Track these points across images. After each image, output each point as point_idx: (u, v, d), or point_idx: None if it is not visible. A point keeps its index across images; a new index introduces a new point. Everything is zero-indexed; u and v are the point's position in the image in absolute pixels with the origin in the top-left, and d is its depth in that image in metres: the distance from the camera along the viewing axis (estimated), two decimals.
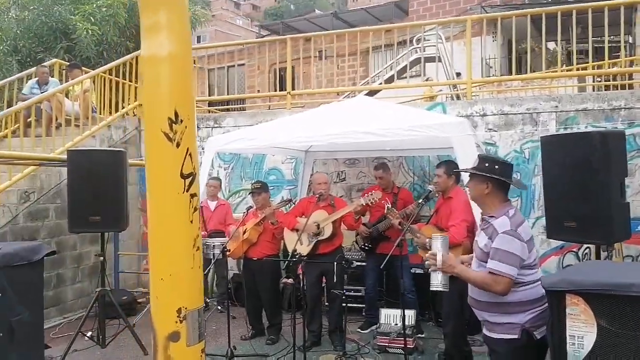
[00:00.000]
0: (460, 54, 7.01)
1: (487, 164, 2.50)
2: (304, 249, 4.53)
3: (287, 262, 4.36)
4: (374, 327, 5.14)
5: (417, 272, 5.46)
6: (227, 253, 4.60)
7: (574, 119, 5.45)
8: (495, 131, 5.70)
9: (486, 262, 2.37)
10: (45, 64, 7.47)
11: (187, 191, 1.28)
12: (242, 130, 5.25)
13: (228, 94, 11.65)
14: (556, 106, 5.56)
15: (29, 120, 6.70)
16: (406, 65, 7.82)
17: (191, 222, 1.36)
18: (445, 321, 4.04)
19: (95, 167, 4.37)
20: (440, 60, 8.07)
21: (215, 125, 7.20)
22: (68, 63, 7.99)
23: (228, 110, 9.32)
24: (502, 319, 2.36)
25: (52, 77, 7.42)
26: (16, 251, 3.30)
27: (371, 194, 4.48)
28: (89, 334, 4.74)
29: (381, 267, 4.21)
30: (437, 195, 4.54)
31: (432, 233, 4.01)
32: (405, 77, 8.82)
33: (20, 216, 5.46)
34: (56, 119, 6.76)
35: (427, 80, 7.75)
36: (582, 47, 8.67)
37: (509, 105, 5.73)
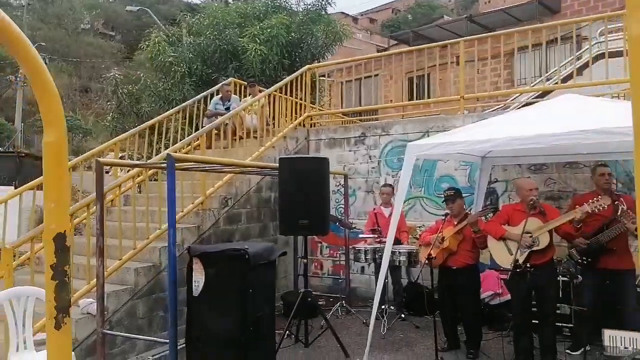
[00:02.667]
0: None
1: None
2: (512, 259, 4.24)
3: (510, 272, 4.09)
4: (587, 348, 4.65)
5: None
6: (435, 260, 4.47)
7: None
8: None
9: None
10: (226, 82, 8.18)
11: None
12: (442, 135, 5.13)
13: (361, 105, 11.77)
14: None
15: (215, 133, 7.39)
16: (587, 62, 7.11)
17: None
18: None
19: (303, 173, 4.57)
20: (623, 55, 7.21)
21: (383, 133, 7.23)
22: (242, 81, 8.70)
23: (360, 120, 9.43)
24: None
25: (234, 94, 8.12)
26: (259, 251, 3.54)
27: (597, 200, 4.05)
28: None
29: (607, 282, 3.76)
30: None
31: None
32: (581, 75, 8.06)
33: (221, 220, 5.95)
34: (236, 132, 7.36)
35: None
36: None
37: None
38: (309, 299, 4.86)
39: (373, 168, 7.27)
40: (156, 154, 7.21)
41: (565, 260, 4.91)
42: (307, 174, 4.57)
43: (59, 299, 1.82)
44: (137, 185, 5.68)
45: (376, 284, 6.23)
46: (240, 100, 8.11)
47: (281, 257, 4.34)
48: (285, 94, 7.78)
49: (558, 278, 4.67)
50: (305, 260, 4.89)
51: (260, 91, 7.90)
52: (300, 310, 4.91)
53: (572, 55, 7.78)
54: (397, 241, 5.73)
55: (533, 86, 9.05)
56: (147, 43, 10.62)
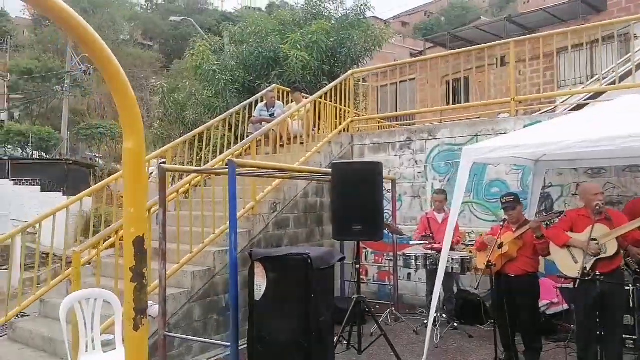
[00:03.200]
0: None
1: None
2: (577, 267, 4.08)
3: (576, 280, 3.94)
4: None
5: None
6: (494, 267, 4.36)
7: None
8: None
9: None
10: (270, 88, 8.27)
11: None
12: (499, 138, 5.02)
13: (397, 110, 11.60)
14: None
15: (258, 140, 7.46)
16: (632, 68, 6.80)
17: None
18: None
19: (356, 178, 4.55)
20: None
21: (430, 137, 7.14)
22: (284, 88, 8.79)
23: (400, 125, 9.30)
24: None
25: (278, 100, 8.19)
26: (320, 255, 3.53)
27: None
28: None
29: None
30: None
31: None
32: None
33: (270, 225, 5.99)
34: (281, 138, 7.43)
35: None
36: None
37: None
38: (362, 306, 4.81)
39: (419, 173, 7.18)
40: (202, 161, 7.36)
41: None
42: (361, 179, 4.54)
43: (138, 301, 1.86)
44: (189, 190, 5.80)
45: (427, 291, 6.17)
46: (284, 107, 8.18)
47: None
48: (328, 99, 7.79)
49: (627, 287, 4.47)
50: (358, 266, 4.85)
51: (303, 97, 7.95)
52: (352, 316, 4.87)
53: (620, 55, 7.43)
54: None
55: (584, 88, 8.74)
56: (191, 52, 10.86)
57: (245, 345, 3.67)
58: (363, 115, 9.25)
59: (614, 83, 6.93)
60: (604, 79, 7.84)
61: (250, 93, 9.54)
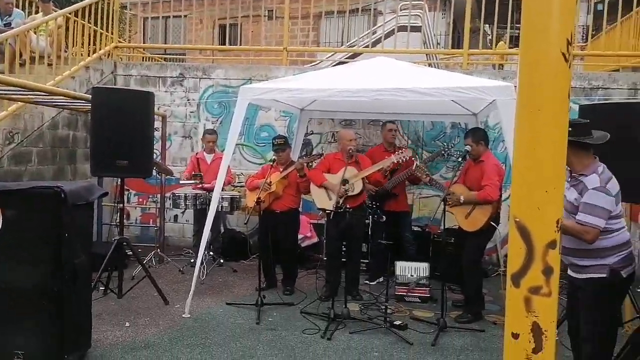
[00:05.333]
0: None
1: None
2: (331, 203, 4.63)
3: (331, 212, 4.42)
4: (380, 279, 5.46)
5: (414, 228, 5.87)
6: (262, 204, 4.55)
7: None
8: None
9: (575, 214, 2.67)
10: None
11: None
12: (276, 81, 5.10)
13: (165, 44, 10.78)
14: None
15: None
16: (381, 37, 7.96)
17: None
18: (467, 272, 4.38)
19: (123, 108, 4.06)
20: (419, 30, 8.37)
21: (204, 76, 6.90)
22: None
23: (166, 60, 8.78)
24: (591, 262, 2.69)
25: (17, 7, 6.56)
26: (77, 190, 3.07)
27: (401, 152, 4.69)
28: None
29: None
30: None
31: (460, 191, 4.37)
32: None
33: (5, 158, 4.90)
34: (20, 56, 6.06)
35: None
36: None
37: (502, 77, 6.19)
38: (125, 248, 4.45)
39: (192, 112, 6.91)
40: None
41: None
42: (129, 108, 4.08)
43: None
44: None
45: (194, 231, 6.11)
46: (25, 17, 6.64)
47: None
48: (86, 19, 6.65)
49: (367, 220, 5.31)
50: (121, 206, 4.43)
51: (54, 10, 6.58)
52: (112, 260, 4.48)
53: (370, 26, 8.54)
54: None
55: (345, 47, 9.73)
56: None
57: None
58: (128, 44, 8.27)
59: (367, 47, 7.92)
60: (352, 46, 8.87)
61: None
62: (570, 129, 2.68)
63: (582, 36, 11.16)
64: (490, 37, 12.86)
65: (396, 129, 5.55)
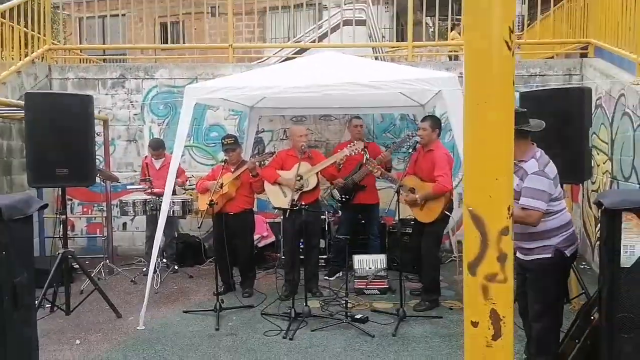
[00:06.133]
0: None
1: None
2: (286, 201, 4.59)
3: (288, 211, 4.36)
4: (339, 274, 5.48)
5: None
6: (215, 207, 4.42)
7: None
8: None
9: (518, 200, 2.76)
10: None
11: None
12: (223, 79, 4.95)
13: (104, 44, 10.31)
14: None
15: None
16: (327, 31, 8.00)
17: None
18: (425, 261, 4.45)
19: (61, 113, 3.83)
20: (364, 24, 8.44)
21: (147, 77, 6.64)
22: None
23: (105, 61, 8.39)
24: (537, 244, 2.80)
25: None
26: (13, 203, 2.84)
27: (354, 144, 4.69)
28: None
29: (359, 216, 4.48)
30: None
31: (413, 182, 4.44)
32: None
33: None
34: None
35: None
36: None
37: (445, 68, 6.35)
38: (70, 261, 4.21)
39: (136, 115, 6.63)
40: None
41: (327, 199, 5.60)
42: (66, 113, 3.84)
43: None
44: None
45: (146, 237, 5.88)
46: None
47: None
48: (14, 21, 6.21)
49: (322, 216, 5.29)
50: (64, 217, 4.18)
51: None
52: (57, 275, 4.22)
53: (316, 21, 8.53)
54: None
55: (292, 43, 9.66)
56: None
57: None
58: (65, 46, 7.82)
59: (314, 42, 7.90)
60: (299, 41, 8.83)
61: None
62: None
63: (518, 26, 11.65)
64: (432, 29, 13.21)
65: (362, 124, 5.53)
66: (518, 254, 2.93)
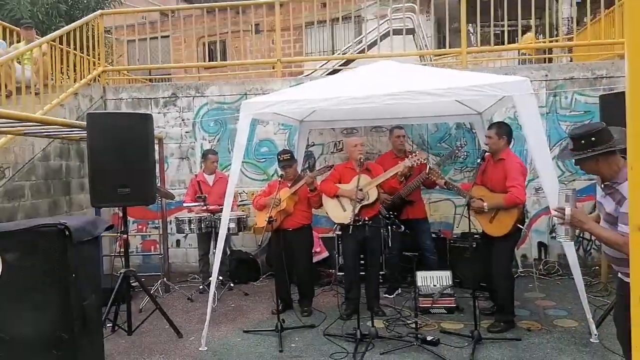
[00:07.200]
0: None
1: (582, 141, 2.44)
2: (347, 215, 4.42)
3: (348, 226, 4.19)
4: (398, 291, 5.24)
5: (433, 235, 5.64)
6: (274, 223, 4.30)
7: (562, 87, 5.95)
8: None
9: (614, 225, 2.45)
10: None
11: None
12: (277, 93, 4.88)
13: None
14: (546, 75, 6.01)
15: None
16: (377, 39, 7.83)
17: None
18: (499, 279, 4.14)
19: (121, 133, 3.83)
20: (411, 33, 8.25)
21: (198, 94, 6.68)
22: (8, 25, 6.84)
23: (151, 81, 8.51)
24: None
25: None
26: (82, 225, 2.81)
27: (415, 155, 4.49)
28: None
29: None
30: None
31: (482, 193, 4.16)
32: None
33: None
34: (5, 87, 5.81)
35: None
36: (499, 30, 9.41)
37: (504, 73, 6.05)
38: (132, 281, 4.19)
39: (187, 132, 6.67)
40: None
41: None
42: (127, 133, 3.84)
43: None
44: None
45: (200, 255, 5.85)
46: (7, 46, 6.39)
47: None
48: (71, 45, 6.41)
49: (382, 230, 5.09)
50: (126, 236, 4.17)
51: (37, 37, 6.35)
52: (118, 294, 4.21)
53: (355, 33, 8.40)
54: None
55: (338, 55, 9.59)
56: None
57: None
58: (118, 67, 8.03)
59: (363, 52, 7.77)
60: (344, 53, 8.71)
61: None
62: (592, 138, 2.48)
63: (568, 27, 11.16)
64: (474, 35, 12.87)
65: (404, 135, 5.36)
66: (621, 276, 2.60)
